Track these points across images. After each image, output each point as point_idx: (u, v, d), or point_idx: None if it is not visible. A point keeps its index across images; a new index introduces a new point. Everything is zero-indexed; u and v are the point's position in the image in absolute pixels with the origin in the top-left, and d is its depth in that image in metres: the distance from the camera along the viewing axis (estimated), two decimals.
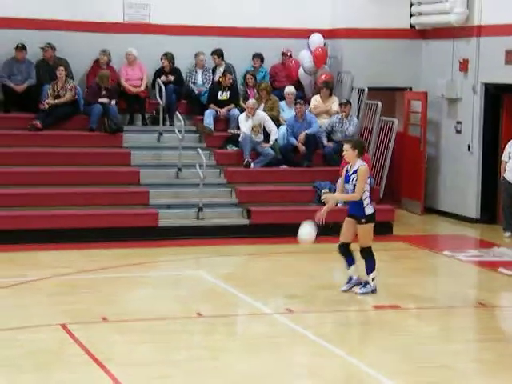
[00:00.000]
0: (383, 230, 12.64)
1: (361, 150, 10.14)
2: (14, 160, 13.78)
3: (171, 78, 15.16)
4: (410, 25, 16.45)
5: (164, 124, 14.94)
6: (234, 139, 14.84)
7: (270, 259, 12.41)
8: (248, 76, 15.54)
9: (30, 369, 7.64)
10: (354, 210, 10.15)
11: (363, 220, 10.10)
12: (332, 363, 8.03)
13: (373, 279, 10.24)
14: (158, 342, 8.47)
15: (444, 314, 9.78)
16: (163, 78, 15.06)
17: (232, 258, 12.66)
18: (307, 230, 10.10)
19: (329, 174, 14.50)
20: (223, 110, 15.05)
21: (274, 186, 14.43)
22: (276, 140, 14.77)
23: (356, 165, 10.08)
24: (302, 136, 14.70)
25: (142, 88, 15.11)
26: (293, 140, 14.80)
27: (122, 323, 9.08)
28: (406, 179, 16.41)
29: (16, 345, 8.24)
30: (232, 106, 15.17)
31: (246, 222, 13.81)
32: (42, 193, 13.36)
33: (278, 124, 15.01)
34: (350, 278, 10.35)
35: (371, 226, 10.18)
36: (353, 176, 10.05)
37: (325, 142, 15.04)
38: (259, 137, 14.72)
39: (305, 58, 15.90)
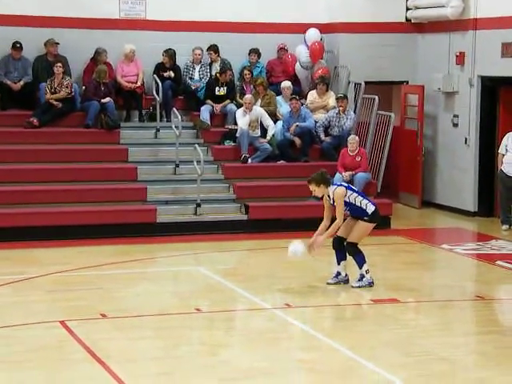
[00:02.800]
0: (381, 224, 12.60)
1: (325, 182, 10.15)
2: (10, 157, 13.78)
3: (172, 74, 15.16)
4: (406, 18, 16.44)
5: (161, 120, 14.93)
6: (231, 135, 14.83)
7: (268, 254, 12.41)
8: (245, 71, 15.53)
9: (30, 366, 7.63)
10: (357, 213, 10.19)
11: (365, 218, 10.15)
12: (331, 357, 8.04)
13: (367, 271, 10.25)
14: (157, 338, 8.49)
15: (442, 307, 9.79)
16: (167, 73, 15.03)
17: (230, 253, 12.67)
18: (292, 248, 10.15)
19: (327, 168, 14.20)
20: (219, 107, 15.05)
21: (272, 181, 14.42)
22: (273, 135, 14.76)
23: (330, 192, 10.12)
24: (293, 127, 14.67)
25: (138, 84, 15.10)
26: (289, 135, 14.80)
27: (121, 319, 9.09)
28: (404, 173, 16.42)
29: (16, 342, 8.24)
30: (228, 101, 15.16)
31: (243, 217, 13.81)
32: (39, 190, 13.34)
33: (275, 119, 15.00)
34: (338, 273, 10.38)
35: (371, 226, 10.22)
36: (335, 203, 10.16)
37: (322, 136, 15.03)
38: (256, 132, 14.71)
39: (301, 52, 15.89)
